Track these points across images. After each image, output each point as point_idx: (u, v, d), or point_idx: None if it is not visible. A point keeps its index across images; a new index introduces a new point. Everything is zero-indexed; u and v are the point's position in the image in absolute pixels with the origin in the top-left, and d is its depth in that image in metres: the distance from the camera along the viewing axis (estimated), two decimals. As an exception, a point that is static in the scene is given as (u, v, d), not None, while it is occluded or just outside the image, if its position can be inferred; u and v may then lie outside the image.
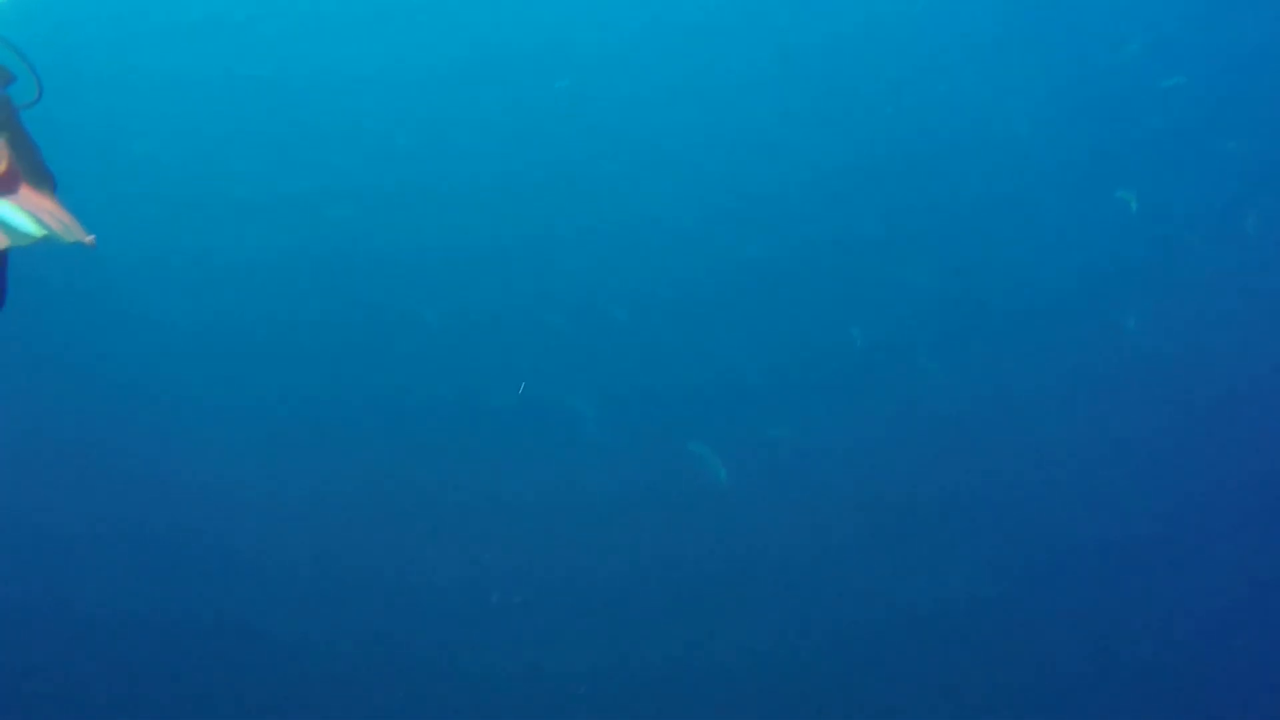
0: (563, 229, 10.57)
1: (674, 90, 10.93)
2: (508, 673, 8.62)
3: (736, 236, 10.50)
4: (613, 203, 10.65)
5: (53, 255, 3.66)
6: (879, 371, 10.01)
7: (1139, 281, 10.08)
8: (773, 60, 10.91)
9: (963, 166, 10.61)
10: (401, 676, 8.49)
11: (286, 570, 8.66)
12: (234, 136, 9.93)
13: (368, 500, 9.33)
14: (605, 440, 9.75)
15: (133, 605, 8.10)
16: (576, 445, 9.82)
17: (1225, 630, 8.29)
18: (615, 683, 8.78)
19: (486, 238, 10.36)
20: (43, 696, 7.50)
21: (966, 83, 11.12)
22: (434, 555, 9.09)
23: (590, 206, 10.69)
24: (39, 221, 2.82)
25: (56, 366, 9.37)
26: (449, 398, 9.95)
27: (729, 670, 8.92)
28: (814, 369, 10.01)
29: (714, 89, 10.92)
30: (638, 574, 9.24)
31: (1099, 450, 9.28)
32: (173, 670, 7.84)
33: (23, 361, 9.03)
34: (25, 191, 2.92)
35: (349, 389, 10.02)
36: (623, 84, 10.89)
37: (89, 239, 2.88)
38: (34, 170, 3.05)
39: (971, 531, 9.06)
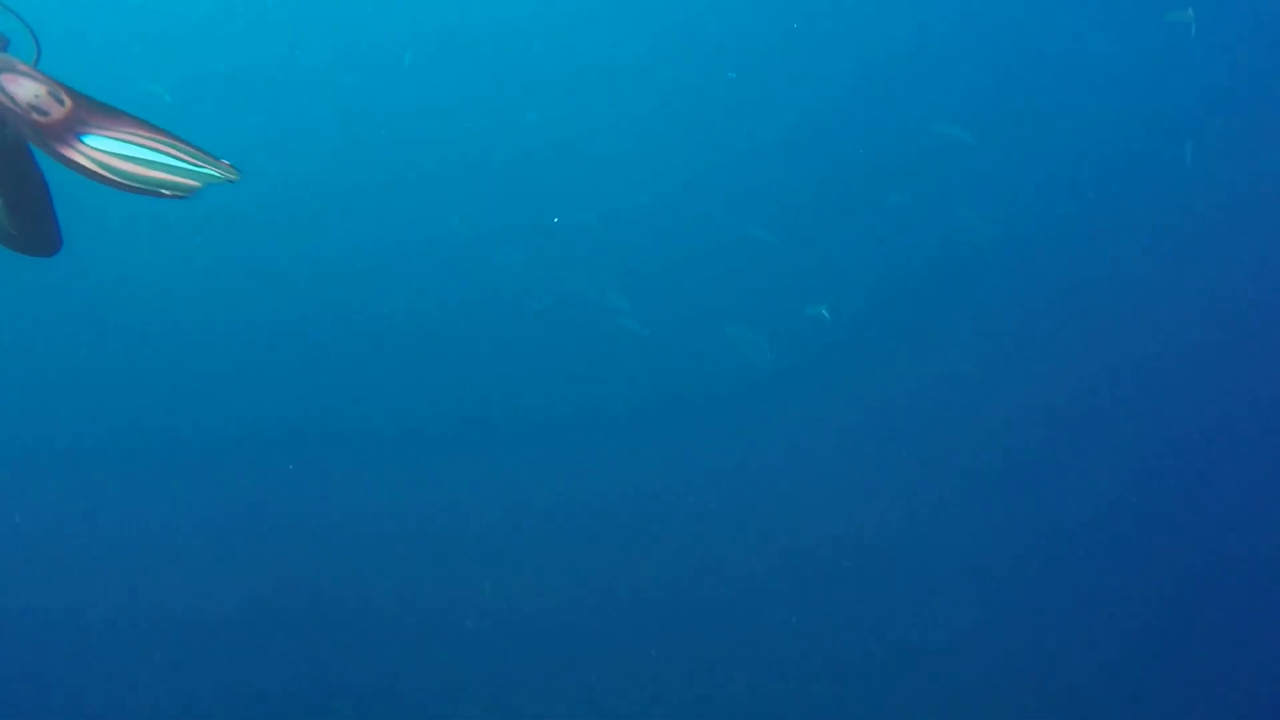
0: (583, 116, 10.21)
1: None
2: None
3: (762, 110, 9.99)
4: (630, 84, 10.22)
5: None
6: (921, 233, 9.61)
7: (1197, 109, 9.38)
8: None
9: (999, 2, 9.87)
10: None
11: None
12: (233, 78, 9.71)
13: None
14: (644, 332, 9.63)
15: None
16: (616, 339, 9.73)
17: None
18: (669, 561, 8.89)
19: (506, 138, 10.08)
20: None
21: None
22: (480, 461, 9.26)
23: (608, 89, 10.28)
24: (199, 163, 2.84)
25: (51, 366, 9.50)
26: (483, 303, 9.90)
27: (782, 542, 8.93)
28: (850, 239, 9.65)
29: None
30: (687, 465, 9.26)
31: (1159, 299, 8.87)
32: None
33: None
34: (121, 126, 2.88)
35: (388, 297, 10.03)
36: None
37: (225, 164, 2.86)
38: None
39: (1018, 395, 8.83)
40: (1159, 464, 8.57)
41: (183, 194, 2.82)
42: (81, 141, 2.85)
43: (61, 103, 2.89)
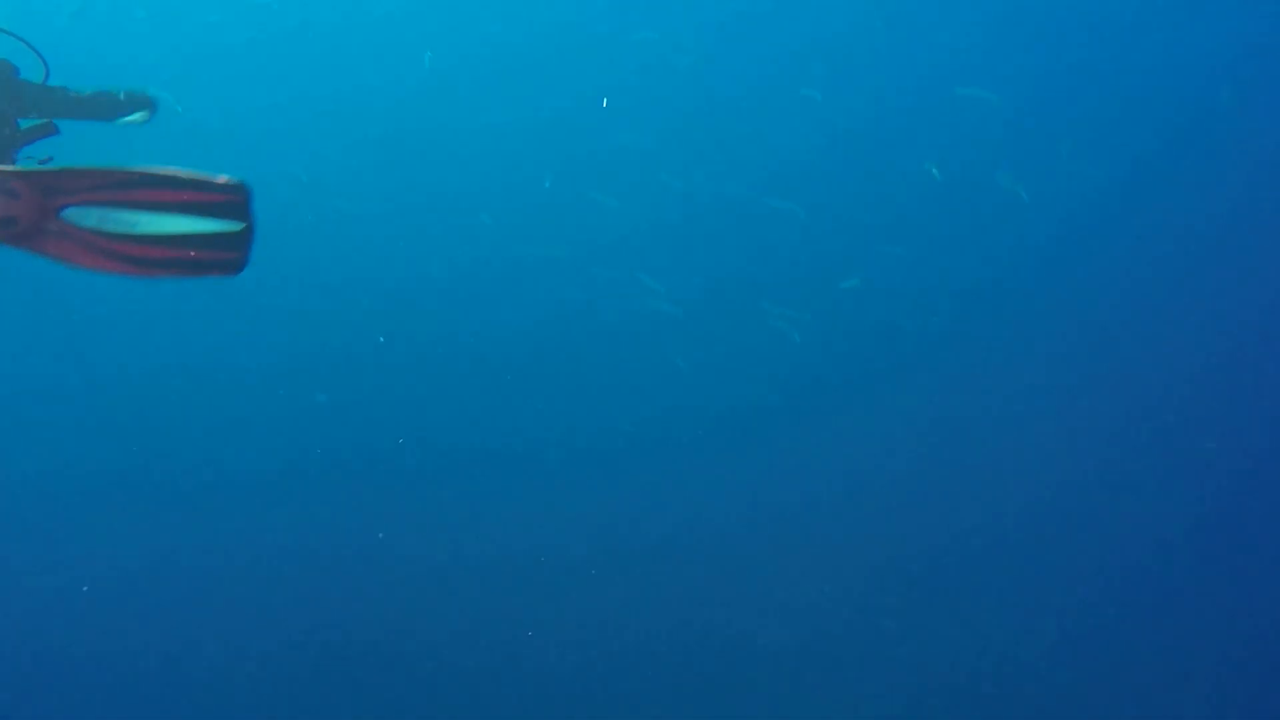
0: (604, 103, 10.07)
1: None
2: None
3: (792, 81, 9.79)
4: (649, 66, 10.06)
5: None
6: (955, 200, 9.43)
7: (1231, 55, 9.17)
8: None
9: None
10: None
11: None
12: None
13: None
14: (678, 312, 9.51)
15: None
16: (651, 320, 9.59)
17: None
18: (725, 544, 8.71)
19: (525, 130, 9.96)
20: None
21: None
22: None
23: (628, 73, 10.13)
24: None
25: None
26: (516, 294, 9.78)
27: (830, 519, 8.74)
28: (887, 214, 9.47)
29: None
30: (727, 433, 9.13)
31: (1200, 257, 8.71)
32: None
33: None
34: (92, 183, 2.44)
35: (418, 297, 9.90)
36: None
37: (224, 180, 2.48)
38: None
39: (1061, 347, 8.70)
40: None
41: (230, 270, 2.44)
42: (65, 220, 2.43)
43: (15, 195, 2.48)
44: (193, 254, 2.45)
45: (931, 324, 9.28)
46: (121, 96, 4.06)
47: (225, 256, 2.47)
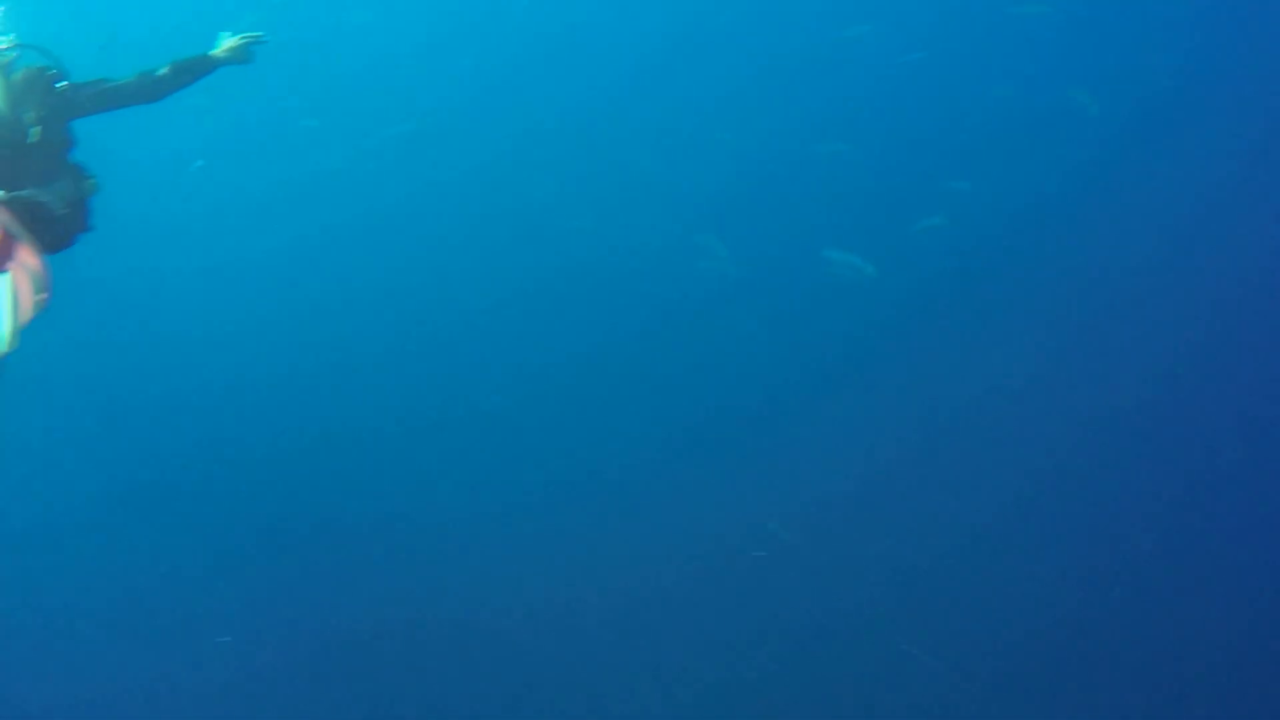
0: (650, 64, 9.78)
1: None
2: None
3: (836, 22, 9.40)
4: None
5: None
6: (1025, 140, 9.01)
7: None
8: None
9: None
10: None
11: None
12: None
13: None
14: (740, 273, 9.19)
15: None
16: (715, 281, 9.28)
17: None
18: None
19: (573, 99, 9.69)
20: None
21: None
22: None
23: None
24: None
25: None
26: (582, 260, 9.53)
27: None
28: (959, 150, 9.07)
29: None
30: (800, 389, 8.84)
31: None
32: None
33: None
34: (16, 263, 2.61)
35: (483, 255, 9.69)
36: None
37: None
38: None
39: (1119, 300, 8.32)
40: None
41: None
42: None
43: None
44: None
45: (1002, 257, 8.89)
46: (163, 70, 4.11)
47: None
